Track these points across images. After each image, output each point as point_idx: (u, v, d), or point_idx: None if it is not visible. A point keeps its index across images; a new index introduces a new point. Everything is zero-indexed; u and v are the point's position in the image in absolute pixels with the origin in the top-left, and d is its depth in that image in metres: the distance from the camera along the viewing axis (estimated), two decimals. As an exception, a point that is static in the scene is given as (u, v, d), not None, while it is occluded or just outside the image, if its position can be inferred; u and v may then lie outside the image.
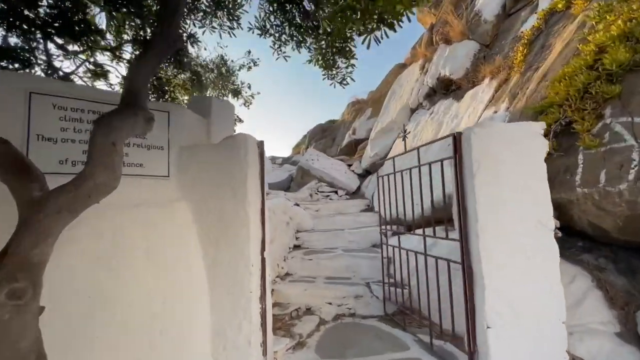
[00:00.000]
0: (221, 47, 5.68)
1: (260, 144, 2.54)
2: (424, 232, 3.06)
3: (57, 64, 3.07)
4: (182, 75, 4.34)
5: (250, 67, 5.58)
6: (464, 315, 2.45)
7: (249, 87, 6.38)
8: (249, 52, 5.44)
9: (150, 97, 3.94)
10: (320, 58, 2.92)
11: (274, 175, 9.40)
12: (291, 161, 16.03)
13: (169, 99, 4.22)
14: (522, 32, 4.49)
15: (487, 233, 2.24)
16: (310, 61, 3.04)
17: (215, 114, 2.90)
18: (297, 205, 6.22)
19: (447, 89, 5.81)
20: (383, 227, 5.35)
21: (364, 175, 8.11)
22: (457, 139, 2.50)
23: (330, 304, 3.93)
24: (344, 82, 3.12)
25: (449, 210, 4.14)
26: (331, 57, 2.89)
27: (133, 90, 1.54)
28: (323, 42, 2.83)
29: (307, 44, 2.98)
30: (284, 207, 4.80)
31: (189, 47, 3.63)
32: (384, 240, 4.09)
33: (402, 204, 3.83)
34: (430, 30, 7.09)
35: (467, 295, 2.37)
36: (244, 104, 6.47)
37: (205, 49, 5.77)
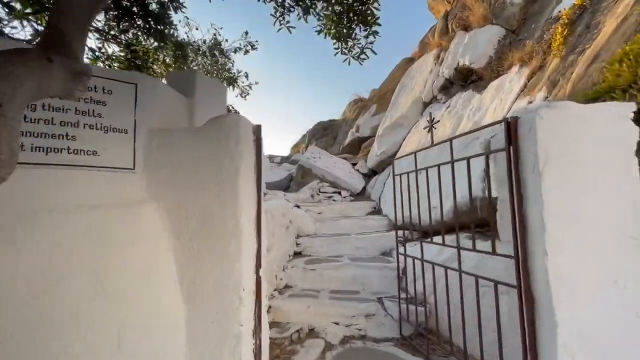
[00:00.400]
0: (215, 29, 5.08)
1: (257, 130, 1.97)
2: (457, 242, 2.49)
3: (7, 30, 2.49)
4: (165, 53, 3.72)
5: (247, 51, 4.99)
6: (515, 351, 1.89)
7: (246, 76, 5.81)
8: (247, 33, 4.85)
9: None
10: (332, 27, 2.35)
11: (272, 174, 8.82)
12: (290, 160, 15.44)
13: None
14: (559, 12, 3.93)
15: (559, 250, 1.67)
16: (320, 31, 2.46)
17: (201, 93, 2.32)
18: (298, 207, 5.64)
19: (466, 80, 5.25)
20: (400, 233, 4.78)
21: (369, 175, 7.54)
22: (511, 126, 1.93)
23: (337, 323, 3.35)
24: (362, 57, 2.54)
25: (474, 214, 3.58)
26: (347, 25, 2.32)
27: (57, 29, 0.97)
28: (338, 6, 2.25)
29: (317, 10, 2.41)
30: (283, 209, 4.22)
31: (172, 12, 3.03)
32: (401, 250, 3.51)
33: (423, 206, 3.25)
34: (444, 18, 6.54)
35: (525, 331, 1.81)
36: (241, 95, 5.89)
37: (197, 29, 5.13)
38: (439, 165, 2.80)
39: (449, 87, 5.51)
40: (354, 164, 7.93)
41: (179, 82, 2.25)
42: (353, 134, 10.81)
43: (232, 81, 5.42)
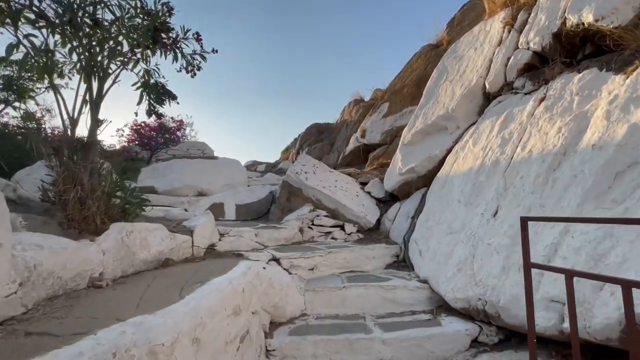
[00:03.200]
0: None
1: None
2: None
3: None
4: None
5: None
6: None
7: (197, 39, 3.63)
8: None
9: None
10: None
11: (247, 192, 6.58)
12: (277, 169, 13.19)
13: None
14: None
15: None
16: None
17: None
18: (276, 261, 3.45)
19: (575, 53, 3.13)
20: (464, 329, 2.69)
21: (385, 200, 5.35)
22: None
23: None
24: None
25: None
26: None
27: None
28: None
29: None
30: (234, 304, 1.99)
31: None
32: None
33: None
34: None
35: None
36: (186, 69, 3.72)
37: None
38: None
39: (538, 68, 3.37)
40: (362, 184, 5.73)
41: None
42: (357, 140, 8.67)
43: (165, 42, 3.21)
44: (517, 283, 2.37)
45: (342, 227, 5.05)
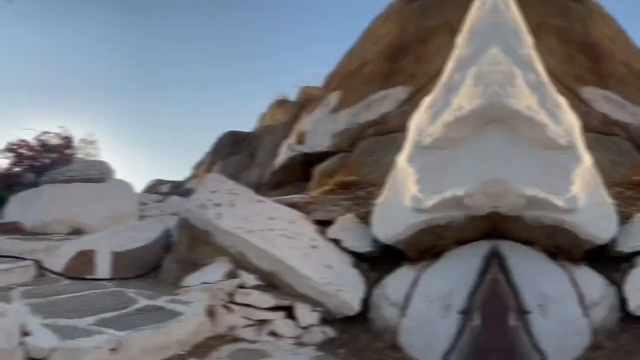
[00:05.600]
0: None
1: None
2: None
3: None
4: None
5: None
6: None
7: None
8: None
9: None
10: None
11: (129, 231, 3.99)
12: (183, 190, 10.22)
13: None
14: None
15: None
16: None
17: None
18: None
19: None
20: None
21: (374, 257, 3.01)
22: None
23: None
24: None
25: None
26: None
27: None
28: None
29: None
30: None
31: None
32: None
33: None
34: None
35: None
36: None
37: None
38: None
39: None
40: (320, 223, 3.35)
41: None
42: (292, 148, 6.32)
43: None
44: None
45: (288, 312, 2.65)
